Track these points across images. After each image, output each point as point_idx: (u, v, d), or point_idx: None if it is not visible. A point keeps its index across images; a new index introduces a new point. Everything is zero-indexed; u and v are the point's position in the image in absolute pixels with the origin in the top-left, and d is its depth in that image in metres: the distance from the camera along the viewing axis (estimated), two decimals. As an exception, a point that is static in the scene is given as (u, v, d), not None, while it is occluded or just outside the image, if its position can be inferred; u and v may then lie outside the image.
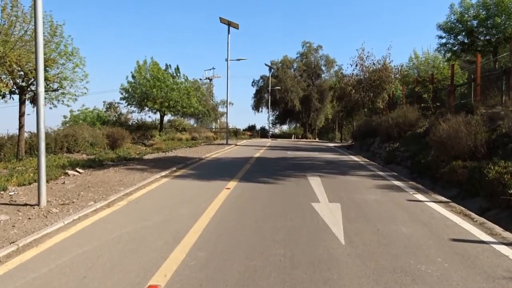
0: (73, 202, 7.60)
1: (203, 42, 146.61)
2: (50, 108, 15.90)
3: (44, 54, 14.46)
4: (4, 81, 12.96)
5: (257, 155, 18.88)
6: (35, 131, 20.42)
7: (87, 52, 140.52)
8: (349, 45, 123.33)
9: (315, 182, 10.29)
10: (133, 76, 28.61)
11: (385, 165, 14.88)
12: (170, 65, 29.42)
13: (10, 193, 8.52)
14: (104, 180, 10.10)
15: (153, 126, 31.75)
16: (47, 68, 14.09)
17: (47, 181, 10.17)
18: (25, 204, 7.33)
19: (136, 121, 31.65)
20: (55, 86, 14.91)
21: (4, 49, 10.42)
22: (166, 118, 40.78)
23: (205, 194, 8.62)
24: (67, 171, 11.78)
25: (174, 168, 12.72)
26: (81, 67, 15.32)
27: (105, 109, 32.65)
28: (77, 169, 12.43)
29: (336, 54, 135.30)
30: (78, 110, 33.03)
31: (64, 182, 9.72)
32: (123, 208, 7.33)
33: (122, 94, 29.01)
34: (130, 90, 28.50)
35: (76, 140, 20.27)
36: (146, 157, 17.53)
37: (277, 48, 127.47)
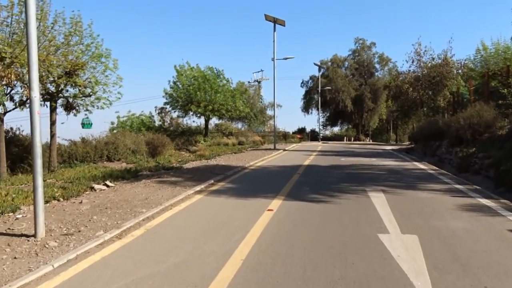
0: (79, 231, 6.19)
1: (251, 45, 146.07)
2: (85, 114, 14.98)
3: (76, 57, 13.53)
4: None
5: (306, 162, 17.05)
6: (75, 139, 19.84)
7: (134, 58, 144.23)
8: (404, 41, 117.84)
9: (379, 200, 8.36)
10: (174, 82, 27.69)
11: (458, 174, 12.60)
12: (212, 67, 28.31)
13: (17, 216, 7.30)
14: (127, 199, 8.71)
15: (198, 131, 30.69)
16: (77, 72, 13.06)
17: (67, 198, 9.01)
18: (21, 235, 6.00)
19: (181, 126, 30.67)
20: (88, 91, 13.86)
21: (13, 50, 9.31)
22: (212, 122, 39.80)
23: (241, 218, 6.97)
24: (94, 185, 10.57)
25: (212, 181, 11.19)
26: (114, 70, 14.21)
27: (157, 114, 31.99)
28: (107, 182, 11.21)
29: (390, 51, 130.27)
30: (124, 116, 32.71)
31: (81, 202, 8.41)
32: (136, 240, 5.81)
33: (166, 99, 28.25)
34: (173, 94, 27.59)
35: (116, 148, 19.35)
36: (186, 165, 16.22)
37: (326, 47, 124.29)
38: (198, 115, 28.82)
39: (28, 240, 5.71)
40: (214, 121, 37.37)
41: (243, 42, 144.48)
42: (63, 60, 12.81)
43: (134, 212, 7.37)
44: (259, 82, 64.05)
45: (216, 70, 28.49)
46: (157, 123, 31.71)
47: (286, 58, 29.27)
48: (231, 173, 13.14)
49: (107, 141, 19.46)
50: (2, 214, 7.50)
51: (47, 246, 5.47)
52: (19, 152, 15.20)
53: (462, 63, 38.49)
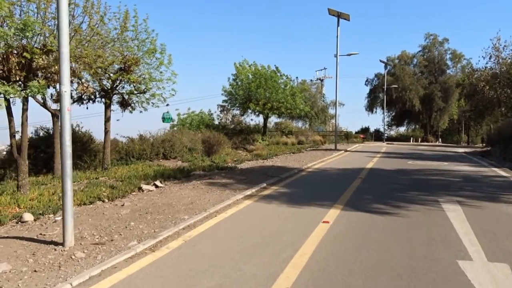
0: (112, 239, 5.63)
1: (314, 43, 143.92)
2: (141, 112, 14.74)
3: (131, 53, 13.29)
4: (84, 83, 11.90)
5: (369, 165, 15.77)
6: (132, 136, 19.89)
7: (195, 56, 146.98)
8: (481, 36, 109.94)
9: (455, 214, 7.13)
10: (234, 79, 27.19)
11: (550, 184, 10.86)
12: (269, 65, 27.49)
13: (56, 218, 6.95)
14: (171, 202, 8.12)
15: (256, 129, 30.08)
16: (131, 68, 12.80)
17: (112, 199, 8.62)
18: (51, 242, 5.54)
19: (242, 124, 30.18)
20: (142, 87, 13.60)
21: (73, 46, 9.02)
22: (272, 121, 39.07)
23: (291, 231, 6.10)
24: (142, 185, 10.16)
25: (264, 184, 10.39)
26: (168, 66, 13.82)
27: (219, 112, 31.72)
28: (156, 182, 10.79)
29: (464, 47, 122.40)
30: (184, 114, 32.88)
31: (123, 204, 7.94)
32: (170, 255, 5.14)
33: (225, 96, 27.85)
34: (232, 91, 27.15)
35: (172, 146, 19.17)
36: (241, 165, 15.59)
37: (393, 43, 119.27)
38: (257, 113, 28.22)
39: (55, 249, 5.22)
40: (273, 119, 36.66)
41: (306, 40, 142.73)
42: (117, 56, 12.57)
43: (175, 219, 6.74)
44: (321, 80, 62.52)
45: (274, 67, 27.67)
46: (216, 121, 31.49)
47: (349, 54, 27.86)
48: (286, 175, 12.26)
49: (163, 138, 19.34)
50: (42, 215, 7.21)
51: (73, 257, 4.94)
52: (78, 148, 15.32)
53: (548, 58, 34.83)
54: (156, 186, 10.51)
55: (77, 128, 16.40)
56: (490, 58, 37.09)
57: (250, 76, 26.70)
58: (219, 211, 7.45)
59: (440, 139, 55.99)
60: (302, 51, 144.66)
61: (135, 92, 13.86)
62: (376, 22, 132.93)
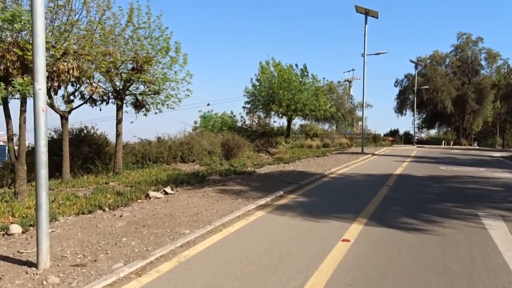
0: (95, 260, 4.88)
1: (343, 44, 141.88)
2: (155, 113, 14.11)
3: (145, 51, 12.66)
4: (93, 84, 11.33)
5: (398, 171, 14.64)
6: (150, 139, 19.33)
7: (219, 59, 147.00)
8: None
9: (499, 233, 6.09)
10: (257, 79, 26.37)
11: None
12: (297, 64, 26.49)
13: (52, 230, 6.27)
14: (174, 213, 7.35)
15: (280, 132, 29.14)
16: (143, 68, 12.18)
17: (114, 208, 7.94)
18: (26, 262, 4.84)
19: (267, 126, 29.27)
20: (156, 88, 12.95)
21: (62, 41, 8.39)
22: (297, 123, 38.06)
23: (305, 252, 5.22)
24: (150, 192, 9.47)
25: (281, 192, 9.51)
26: (183, 65, 13.13)
27: (245, 114, 30.87)
28: (166, 188, 10.09)
29: (500, 46, 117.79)
30: (207, 115, 32.22)
31: (121, 215, 7.22)
32: (157, 281, 4.34)
33: (247, 98, 27.05)
34: (255, 93, 26.33)
35: (191, 149, 18.54)
36: (260, 170, 14.77)
37: (424, 43, 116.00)
38: (280, 115, 27.32)
39: (27, 273, 4.50)
40: (298, 121, 35.64)
41: (335, 42, 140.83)
42: (130, 54, 11.98)
43: (174, 234, 5.96)
44: (349, 82, 61.04)
45: (301, 67, 26.68)
46: (240, 123, 30.70)
47: (378, 53, 26.62)
48: (307, 182, 11.34)
49: (182, 141, 18.74)
50: (32, 226, 6.55)
51: (44, 283, 4.21)
52: (93, 151, 14.85)
53: None
54: (166, 193, 9.80)
55: (92, 131, 15.95)
56: (529, 57, 35.10)
57: (275, 75, 25.80)
58: (225, 225, 6.63)
59: (476, 142, 53.53)
60: (329, 53, 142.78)
61: (149, 93, 13.22)
62: (406, 21, 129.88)
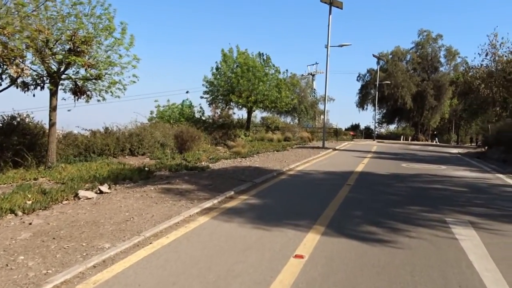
0: (-32, 290, 3.70)
1: (306, 38, 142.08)
2: (98, 100, 12.69)
3: (84, 30, 11.27)
4: (19, 65, 9.85)
5: (359, 167, 13.93)
6: (90, 129, 17.77)
7: (180, 51, 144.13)
8: (476, 33, 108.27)
9: (472, 245, 5.34)
10: (217, 68, 25.08)
11: None
12: (262, 53, 25.38)
13: None
14: (99, 220, 6.16)
15: (240, 124, 28.04)
16: (82, 49, 10.79)
17: (30, 212, 6.66)
18: None
19: (223, 118, 28.02)
20: (96, 72, 11.56)
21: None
22: (258, 115, 37.16)
23: (249, 273, 4.23)
24: (80, 191, 8.20)
25: (232, 193, 8.49)
26: (129, 47, 11.78)
27: (207, 105, 29.31)
28: (103, 186, 8.86)
29: (459, 44, 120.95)
30: (165, 106, 30.62)
31: (31, 222, 5.96)
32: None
33: (206, 87, 25.74)
34: (214, 82, 25.06)
35: (141, 141, 17.18)
36: (214, 165, 13.73)
37: (386, 39, 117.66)
38: (240, 107, 26.20)
39: None
40: (260, 114, 34.70)
41: (298, 35, 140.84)
42: (66, 32, 10.56)
43: (89, 249, 4.82)
44: (312, 75, 60.72)
45: (264, 56, 25.54)
46: (199, 114, 29.29)
47: (342, 45, 25.96)
48: (262, 180, 10.36)
49: (131, 132, 17.34)
50: None
51: None
52: (25, 142, 13.26)
53: (547, 56, 33.30)
54: (100, 192, 8.57)
55: (27, 119, 14.31)
56: (486, 56, 35.32)
57: (238, 64, 24.61)
58: (158, 235, 5.53)
59: (436, 139, 54.49)
60: (293, 46, 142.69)
61: (90, 77, 11.83)
62: (369, 17, 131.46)
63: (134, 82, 12.13)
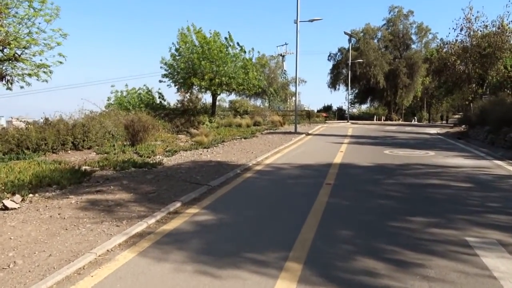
0: None
1: (276, 17, 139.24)
2: (22, 87, 10.35)
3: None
4: None
5: (338, 158, 12.06)
6: (37, 119, 15.39)
7: (139, 32, 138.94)
8: (448, 9, 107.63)
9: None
10: (176, 49, 22.57)
11: None
12: (219, 32, 22.93)
13: None
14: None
15: (205, 109, 25.71)
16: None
17: None
18: None
19: (187, 103, 25.57)
20: (12, 52, 9.17)
21: None
22: (227, 99, 34.94)
23: None
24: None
25: (178, 204, 6.43)
26: (51, 19, 9.41)
27: (176, 90, 26.55)
28: (7, 201, 6.67)
29: (430, 21, 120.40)
30: (123, 91, 27.92)
31: None
32: None
33: (165, 70, 23.25)
34: (174, 64, 22.64)
35: (87, 133, 14.82)
36: (170, 159, 11.73)
37: (357, 16, 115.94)
38: (203, 90, 23.89)
39: None
40: (227, 97, 32.44)
41: (265, 14, 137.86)
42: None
43: None
44: (282, 56, 58.60)
45: (227, 34, 23.15)
46: (159, 99, 26.74)
47: (312, 20, 23.88)
48: (221, 181, 8.33)
49: (75, 123, 14.92)
50: None
51: None
52: None
53: (523, 30, 32.23)
54: (4, 208, 6.39)
55: None
56: (461, 31, 34.10)
57: (197, 44, 22.21)
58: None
59: (415, 118, 53.63)
60: (261, 27, 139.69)
61: (4, 58, 9.43)
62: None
63: (61, 62, 9.83)
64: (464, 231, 5.17)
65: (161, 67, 23.12)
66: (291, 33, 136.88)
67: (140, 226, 5.32)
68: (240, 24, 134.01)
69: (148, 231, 5.26)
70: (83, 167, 10.48)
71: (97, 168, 10.46)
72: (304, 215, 5.88)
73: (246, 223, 5.63)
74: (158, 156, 12.95)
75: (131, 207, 6.29)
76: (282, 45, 58.65)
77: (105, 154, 13.21)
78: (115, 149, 13.88)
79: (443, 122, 62.85)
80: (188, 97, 27.07)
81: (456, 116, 79.15)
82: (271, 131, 23.91)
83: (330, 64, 58.87)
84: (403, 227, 5.34)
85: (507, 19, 32.09)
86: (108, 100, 27.47)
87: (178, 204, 6.43)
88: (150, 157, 12.83)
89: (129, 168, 10.32)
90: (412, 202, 6.72)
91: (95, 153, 13.76)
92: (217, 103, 35.60)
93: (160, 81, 23.63)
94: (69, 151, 14.05)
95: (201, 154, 12.94)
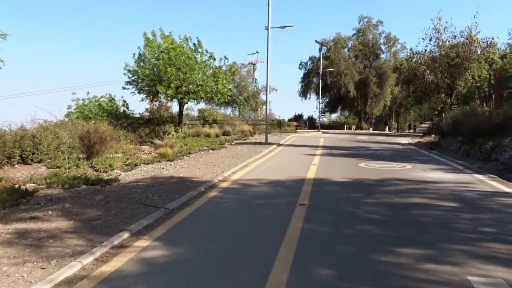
0: None
1: (247, 26, 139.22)
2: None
3: None
4: None
5: (311, 172, 11.21)
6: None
7: (106, 39, 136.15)
8: (417, 20, 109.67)
9: None
10: (140, 54, 21.34)
11: None
12: (190, 37, 21.87)
13: None
14: None
15: (171, 118, 24.43)
16: None
17: None
18: None
19: (149, 112, 24.23)
20: None
21: None
22: (195, 108, 33.80)
23: None
24: None
25: (126, 235, 5.37)
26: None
27: (146, 99, 24.91)
28: None
29: (398, 30, 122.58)
30: (85, 99, 26.33)
31: None
32: None
33: (128, 77, 21.92)
34: (138, 71, 21.40)
35: (37, 145, 13.45)
36: (128, 174, 10.65)
37: (328, 26, 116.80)
38: (169, 98, 22.70)
39: None
40: (195, 106, 31.28)
41: (238, 23, 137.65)
42: None
43: None
44: (253, 65, 58.01)
45: (196, 40, 22.07)
46: (123, 108, 25.32)
47: (284, 27, 23.15)
48: (181, 203, 7.28)
49: (23, 134, 13.53)
50: None
51: None
52: None
53: (489, 41, 32.66)
54: None
55: None
56: (430, 41, 34.36)
57: (164, 49, 21.03)
58: None
59: (387, 127, 53.81)
60: (233, 34, 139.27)
61: None
62: (310, 3, 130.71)
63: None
64: (463, 267, 4.35)
65: (124, 74, 21.83)
66: (263, 42, 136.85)
67: (71, 268, 4.25)
68: (210, 33, 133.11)
69: (81, 274, 4.20)
70: (26, 185, 9.29)
71: (43, 186, 9.29)
72: (276, 246, 4.96)
73: (205, 260, 4.64)
74: (115, 171, 11.81)
75: (67, 239, 5.19)
76: (253, 54, 58.16)
77: (56, 169, 11.96)
78: (68, 163, 12.61)
79: (411, 131, 63.61)
80: (158, 106, 25.83)
81: (423, 125, 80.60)
82: (241, 141, 22.97)
83: (301, 73, 58.62)
84: (392, 263, 4.47)
85: (475, 30, 32.52)
86: (68, 109, 25.89)
87: (126, 235, 5.37)
88: (106, 172, 11.69)
89: (80, 186, 9.15)
90: (398, 228, 5.89)
91: (45, 168, 12.46)
92: (185, 112, 34.50)
93: (124, 88, 22.31)
94: (16, 166, 12.67)
95: (163, 168, 11.86)
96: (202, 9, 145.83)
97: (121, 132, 18.46)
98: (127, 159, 13.91)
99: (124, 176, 10.66)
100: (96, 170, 11.85)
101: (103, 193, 7.97)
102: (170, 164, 12.68)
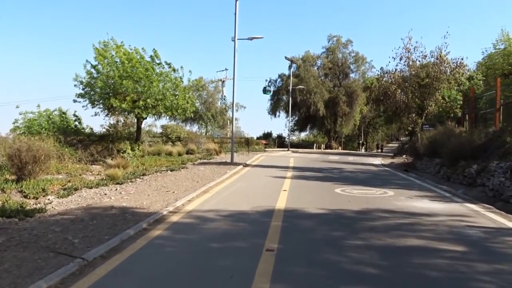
0: None
1: (216, 44, 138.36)
2: None
3: None
4: None
5: (281, 200, 9.55)
6: None
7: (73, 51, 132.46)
8: (387, 39, 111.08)
9: None
10: (93, 66, 19.24)
11: None
12: (143, 48, 19.93)
13: None
14: None
15: (128, 135, 22.33)
16: None
17: None
18: None
19: (104, 128, 22.05)
20: None
21: None
22: (158, 124, 31.82)
23: None
24: None
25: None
26: None
27: (104, 114, 22.59)
28: None
29: (370, 51, 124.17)
30: (34, 112, 23.94)
31: None
32: None
33: (80, 89, 19.79)
34: (90, 82, 19.34)
35: (-44, 164, 11.33)
36: (62, 202, 8.75)
37: (298, 44, 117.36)
38: (126, 113, 20.72)
39: None
40: (160, 122, 29.30)
41: (206, 39, 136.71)
42: None
43: None
44: (222, 82, 56.59)
45: (152, 52, 20.17)
46: (75, 123, 23.06)
47: (252, 38, 21.67)
48: (109, 248, 5.45)
49: None
50: None
51: None
52: None
53: (458, 62, 32.39)
54: None
55: None
56: (400, 60, 33.82)
57: (117, 60, 19.13)
58: None
59: (363, 147, 53.13)
60: (201, 50, 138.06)
61: None
62: (279, 21, 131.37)
63: None
64: None
65: (75, 85, 19.71)
66: (231, 56, 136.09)
67: None
68: (178, 49, 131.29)
69: None
70: None
71: None
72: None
73: None
74: (48, 197, 9.86)
75: None
76: (222, 71, 56.78)
77: (-26, 194, 9.88)
78: (-4, 186, 10.52)
79: (378, 150, 63.41)
80: (115, 121, 23.65)
81: (390, 144, 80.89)
82: (205, 160, 21.17)
83: (270, 91, 57.47)
84: None
85: (445, 50, 32.17)
86: (14, 123, 23.46)
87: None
88: (37, 198, 9.76)
89: (-2, 219, 7.21)
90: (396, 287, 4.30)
91: (-39, 193, 10.33)
92: (147, 128, 32.41)
93: (75, 101, 20.17)
94: None
95: (105, 194, 9.96)
96: (170, 26, 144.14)
97: (66, 150, 16.34)
98: (69, 181, 11.91)
99: (55, 204, 8.77)
100: (25, 196, 9.87)
101: (8, 233, 6.04)
102: (116, 189, 10.80)
